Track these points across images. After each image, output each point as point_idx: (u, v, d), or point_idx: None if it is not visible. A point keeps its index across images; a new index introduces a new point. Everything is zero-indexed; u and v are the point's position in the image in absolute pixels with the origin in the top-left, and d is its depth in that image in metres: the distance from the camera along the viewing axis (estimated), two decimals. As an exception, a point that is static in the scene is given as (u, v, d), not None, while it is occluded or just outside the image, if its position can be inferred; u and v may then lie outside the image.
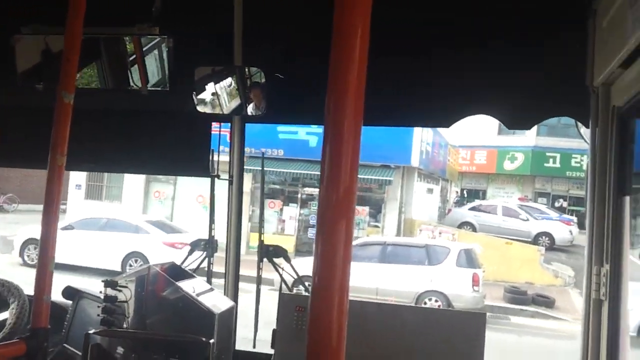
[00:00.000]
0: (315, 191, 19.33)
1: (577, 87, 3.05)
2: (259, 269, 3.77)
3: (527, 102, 3.40)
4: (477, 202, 30.16)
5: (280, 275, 3.46)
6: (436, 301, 15.53)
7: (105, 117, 3.92)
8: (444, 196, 34.33)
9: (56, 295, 3.34)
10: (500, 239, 22.72)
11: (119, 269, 17.25)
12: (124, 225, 18.35)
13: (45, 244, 2.44)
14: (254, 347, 3.78)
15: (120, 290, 3.18)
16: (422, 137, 24.19)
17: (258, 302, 3.87)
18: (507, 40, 3.35)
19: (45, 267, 2.43)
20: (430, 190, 29.60)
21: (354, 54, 1.26)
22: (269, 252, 3.70)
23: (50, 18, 3.00)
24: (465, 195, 36.20)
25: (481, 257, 18.23)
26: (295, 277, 3.90)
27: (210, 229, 4.01)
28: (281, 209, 23.75)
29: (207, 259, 3.92)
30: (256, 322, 3.84)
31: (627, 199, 2.77)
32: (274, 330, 3.28)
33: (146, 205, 25.57)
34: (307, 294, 4.42)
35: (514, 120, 3.53)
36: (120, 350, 3.06)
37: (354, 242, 17.66)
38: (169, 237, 18.21)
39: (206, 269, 3.94)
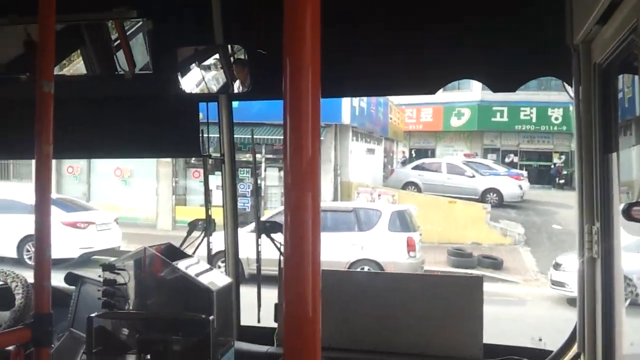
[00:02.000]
0: (242, 157, 19.26)
1: (558, 47, 3.37)
2: (258, 245, 4.15)
3: (511, 64, 3.72)
4: (420, 161, 30.85)
5: (279, 250, 3.83)
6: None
7: (93, 103, 4.13)
8: (390, 157, 35.12)
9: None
10: (443, 198, 23.38)
11: (14, 255, 16.72)
12: (18, 206, 17.07)
13: (41, 232, 2.71)
14: (259, 321, 4.18)
15: (118, 273, 3.50)
16: (352, 94, 24.44)
17: (259, 278, 4.25)
18: (486, 2, 3.69)
19: (42, 254, 2.71)
20: (371, 151, 30.05)
21: (305, 22, 1.37)
22: (266, 228, 4.07)
23: (26, 8, 3.21)
24: (414, 155, 37.02)
25: (422, 218, 18.51)
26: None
27: (207, 209, 4.28)
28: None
29: (205, 238, 4.25)
30: (259, 297, 4.22)
31: (614, 155, 3.09)
32: (276, 305, 3.76)
33: (60, 182, 24.98)
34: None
35: (498, 83, 3.85)
36: (124, 331, 3.42)
37: (274, 212, 17.66)
38: (70, 216, 17.64)
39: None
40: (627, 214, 2.13)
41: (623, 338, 3.07)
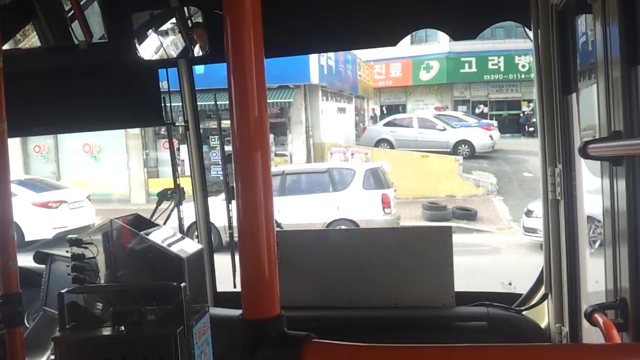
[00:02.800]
0: (212, 123, 19.14)
1: None
2: (229, 210, 4.15)
3: (470, 9, 3.70)
4: (392, 117, 30.90)
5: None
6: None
7: (48, 76, 4.01)
8: (361, 115, 35.15)
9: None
10: (416, 153, 23.57)
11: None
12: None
13: (2, 211, 2.70)
14: (234, 286, 4.19)
15: (86, 247, 3.48)
16: (319, 52, 24.27)
17: (233, 244, 4.22)
18: None
19: (5, 233, 2.69)
20: (342, 110, 30.08)
21: None
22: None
23: None
24: (385, 112, 37.19)
25: (396, 174, 18.74)
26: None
27: (175, 178, 4.24)
28: (178, 149, 23.45)
29: (175, 208, 4.22)
30: (233, 263, 4.25)
31: (573, 97, 3.12)
32: None
33: (27, 162, 24.70)
34: (278, 229, 4.88)
35: (458, 30, 3.82)
36: (97, 305, 3.42)
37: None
38: (40, 197, 17.47)
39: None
40: (583, 152, 2.17)
41: (588, 276, 3.15)
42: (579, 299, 3.15)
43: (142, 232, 3.53)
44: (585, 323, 2.27)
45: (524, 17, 3.51)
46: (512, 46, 32.69)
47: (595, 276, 2.97)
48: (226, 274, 4.35)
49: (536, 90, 3.39)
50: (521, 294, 3.80)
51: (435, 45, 33.89)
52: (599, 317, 2.15)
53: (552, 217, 3.33)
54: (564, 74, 3.15)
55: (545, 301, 3.55)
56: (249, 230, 1.40)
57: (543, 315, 3.59)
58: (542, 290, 3.56)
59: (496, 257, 14.99)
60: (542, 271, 3.58)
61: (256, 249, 1.39)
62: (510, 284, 4.22)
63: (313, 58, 23.43)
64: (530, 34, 3.43)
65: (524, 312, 3.68)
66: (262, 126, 1.37)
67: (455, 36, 3.94)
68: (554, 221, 3.32)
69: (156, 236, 3.59)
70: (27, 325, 4.07)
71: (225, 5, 1.35)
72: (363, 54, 32.44)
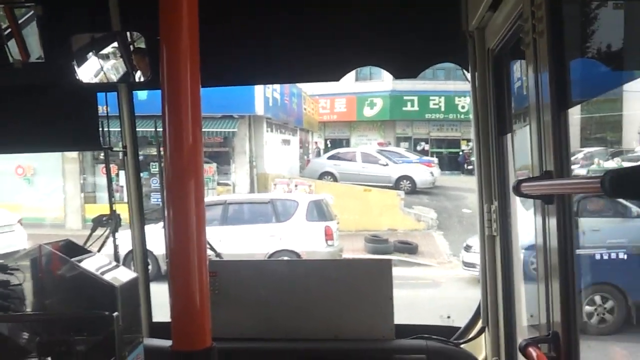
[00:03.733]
0: (154, 151, 18.86)
1: (456, 33, 3.47)
2: (167, 239, 4.03)
3: (410, 50, 3.80)
4: (335, 151, 31.27)
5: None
6: (288, 261, 15.39)
7: None
8: (305, 148, 35.36)
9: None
10: (359, 187, 23.74)
11: None
12: None
13: None
14: (171, 317, 4.06)
15: (12, 274, 3.32)
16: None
17: (170, 272, 4.13)
18: None
19: None
20: (286, 142, 30.15)
21: (182, 7, 1.34)
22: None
23: None
24: (329, 145, 37.64)
25: (339, 207, 18.81)
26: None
27: (111, 204, 4.14)
28: (117, 174, 23.06)
29: (110, 235, 4.09)
30: (170, 292, 4.13)
31: (508, 137, 3.24)
32: None
33: (-46, 184, 23.69)
34: (217, 258, 4.80)
35: (400, 69, 3.94)
36: (23, 335, 3.26)
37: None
38: (-40, 221, 16.61)
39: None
40: (517, 190, 2.24)
41: (523, 310, 3.20)
42: (515, 332, 3.20)
43: (73, 259, 3.40)
44: (520, 356, 2.30)
45: (463, 60, 3.61)
46: (452, 87, 33.65)
47: (530, 310, 3.01)
48: (165, 303, 4.22)
49: (473, 130, 3.48)
50: (459, 327, 3.83)
51: (379, 83, 34.62)
52: (533, 351, 2.18)
53: (488, 252, 3.39)
54: (499, 115, 3.25)
55: (483, 334, 3.59)
56: (180, 259, 1.37)
57: (481, 348, 3.63)
58: (480, 324, 3.61)
59: (436, 290, 15.13)
60: (479, 305, 3.62)
61: (187, 278, 1.37)
62: (449, 317, 4.26)
63: (258, 89, 23.44)
64: (469, 76, 3.54)
65: (462, 345, 3.71)
66: (197, 155, 1.35)
67: (397, 75, 4.05)
68: (491, 256, 3.38)
69: (88, 263, 3.47)
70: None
71: (162, 30, 1.34)
72: (308, 88, 32.77)
